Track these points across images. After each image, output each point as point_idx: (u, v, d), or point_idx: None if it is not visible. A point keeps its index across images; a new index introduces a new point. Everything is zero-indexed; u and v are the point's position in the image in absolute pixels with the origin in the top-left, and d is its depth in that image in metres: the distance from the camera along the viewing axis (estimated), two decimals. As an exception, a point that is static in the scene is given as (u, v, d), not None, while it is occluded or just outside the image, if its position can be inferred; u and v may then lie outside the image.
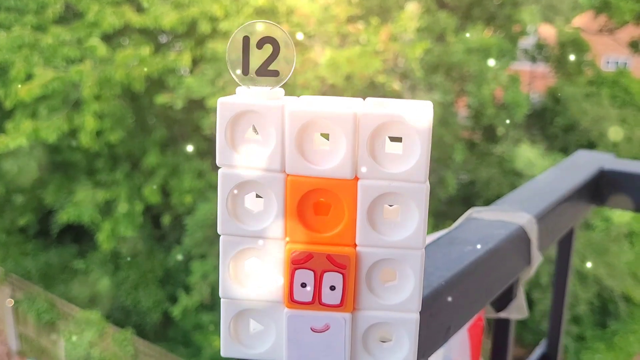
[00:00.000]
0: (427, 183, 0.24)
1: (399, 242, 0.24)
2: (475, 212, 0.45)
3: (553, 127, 6.63)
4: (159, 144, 5.56)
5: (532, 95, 8.10)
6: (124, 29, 4.98)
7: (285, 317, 0.25)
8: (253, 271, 0.26)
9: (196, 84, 4.62)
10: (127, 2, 5.05)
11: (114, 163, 5.71)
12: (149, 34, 5.21)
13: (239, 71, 0.24)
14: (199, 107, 5.06)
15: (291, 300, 0.25)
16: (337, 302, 0.25)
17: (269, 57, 0.24)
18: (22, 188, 5.86)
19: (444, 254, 0.37)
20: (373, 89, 5.22)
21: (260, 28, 0.24)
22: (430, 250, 0.38)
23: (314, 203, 0.25)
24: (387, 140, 0.24)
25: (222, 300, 0.25)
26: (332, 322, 0.25)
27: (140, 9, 5.00)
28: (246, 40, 0.24)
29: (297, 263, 0.24)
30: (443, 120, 5.47)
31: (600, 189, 0.58)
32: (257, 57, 0.24)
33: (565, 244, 0.58)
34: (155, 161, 5.37)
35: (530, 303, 4.91)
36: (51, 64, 4.70)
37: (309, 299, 0.25)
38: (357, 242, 0.25)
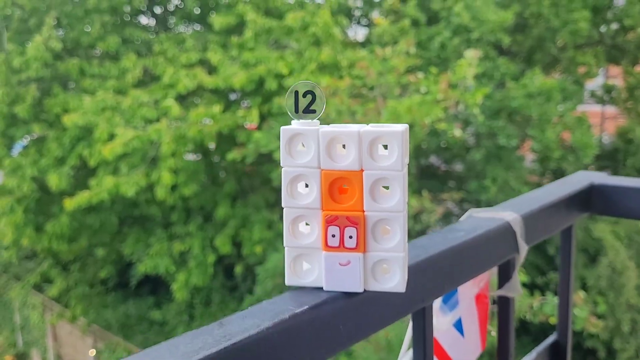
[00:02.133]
0: (405, 170, 0.41)
1: (389, 208, 0.41)
2: (474, 212, 0.60)
3: (626, 168, 6.51)
4: (229, 196, 5.75)
5: (603, 136, 7.96)
6: (198, 89, 5.27)
7: (323, 257, 0.42)
8: (304, 229, 0.43)
9: (264, 138, 4.81)
10: (199, 64, 5.37)
11: (188, 216, 5.93)
12: (220, 93, 5.49)
13: (293, 110, 0.42)
14: (267, 160, 5.27)
15: (326, 246, 0.42)
16: (354, 246, 0.42)
17: (309, 102, 0.41)
18: (103, 242, 6.15)
19: (443, 236, 0.53)
20: (435, 137, 5.32)
21: (306, 85, 0.42)
22: (433, 234, 0.54)
23: (338, 187, 0.42)
24: (380, 146, 0.41)
25: (285, 248, 0.42)
26: (351, 259, 0.42)
27: (211, 70, 5.30)
28: (296, 92, 0.41)
29: (329, 222, 0.41)
30: (509, 165, 5.49)
31: (590, 199, 0.73)
32: (303, 102, 0.41)
33: (566, 239, 0.72)
34: (226, 213, 5.55)
35: (614, 352, 4.79)
36: (131, 124, 4.98)
37: (337, 244, 0.42)
38: (364, 209, 0.42)
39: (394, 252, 0.42)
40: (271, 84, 4.93)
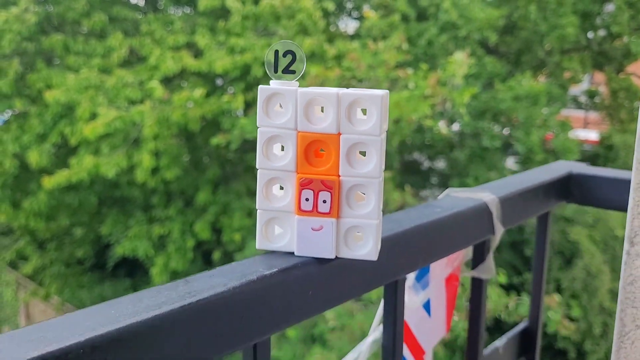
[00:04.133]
0: (383, 136, 0.40)
1: (365, 174, 0.40)
2: (452, 192, 0.60)
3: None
4: (211, 182, 5.73)
5: (585, 142, 8.03)
6: (184, 72, 5.24)
7: (295, 221, 0.41)
8: (277, 192, 0.42)
9: (250, 125, 4.79)
10: (186, 47, 5.32)
11: (168, 199, 5.89)
12: (206, 77, 5.46)
13: (272, 70, 0.40)
14: (251, 147, 5.24)
15: (299, 209, 0.41)
16: (327, 210, 0.41)
17: (289, 62, 0.40)
18: (82, 221, 6.10)
19: (419, 212, 0.53)
20: (421, 133, 5.33)
21: (286, 45, 0.41)
22: (410, 210, 0.53)
23: (314, 150, 0.41)
24: (359, 110, 0.40)
25: (257, 211, 0.42)
26: (324, 224, 0.41)
27: (198, 54, 5.26)
28: (276, 52, 0.40)
29: (303, 185, 0.40)
30: (491, 165, 5.52)
31: (568, 187, 0.73)
32: (283, 62, 0.40)
33: (542, 224, 0.72)
34: (207, 199, 5.53)
35: (584, 354, 4.86)
36: (114, 104, 4.93)
37: (310, 208, 0.41)
38: (340, 174, 0.41)
39: (368, 219, 0.41)
40: (257, 71, 4.91)
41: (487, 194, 0.59)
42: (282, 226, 0.42)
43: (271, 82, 0.41)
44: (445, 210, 0.53)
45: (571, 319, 4.52)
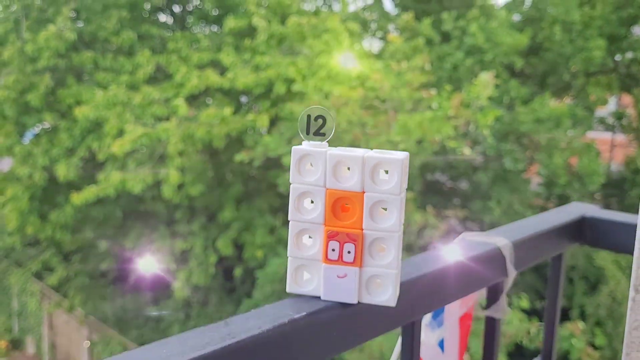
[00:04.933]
0: (402, 195, 0.45)
1: (386, 228, 0.45)
2: (467, 235, 0.64)
3: (632, 197, 6.50)
4: (234, 198, 5.78)
5: (612, 164, 7.93)
6: (208, 89, 5.32)
7: (322, 269, 0.46)
8: (307, 242, 0.47)
9: (273, 142, 4.84)
10: (211, 65, 5.40)
11: (192, 215, 5.96)
12: (230, 95, 5.54)
13: (304, 132, 0.45)
14: (274, 165, 5.30)
15: (326, 258, 0.46)
16: (351, 260, 0.46)
17: (320, 125, 0.45)
18: (107, 234, 6.19)
19: (435, 256, 0.57)
20: (444, 154, 5.34)
21: (318, 111, 0.45)
22: (427, 254, 0.58)
23: (341, 205, 0.46)
24: (382, 171, 0.45)
25: (289, 258, 0.46)
26: (348, 272, 0.46)
27: (223, 71, 5.34)
28: (309, 116, 0.45)
29: (330, 237, 0.45)
30: (514, 187, 5.49)
31: (581, 230, 0.76)
32: (314, 125, 0.45)
33: (555, 268, 0.76)
34: (231, 215, 5.58)
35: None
36: (140, 120, 5.03)
37: (336, 258, 0.46)
38: (363, 227, 0.46)
39: (388, 269, 0.45)
40: (280, 88, 4.97)
41: (500, 239, 0.63)
42: (310, 272, 0.47)
43: (303, 143, 0.46)
44: (461, 255, 0.58)
45: (595, 347, 4.47)
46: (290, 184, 0.46)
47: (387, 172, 0.45)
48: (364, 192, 0.45)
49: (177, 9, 6.49)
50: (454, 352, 0.65)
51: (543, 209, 6.19)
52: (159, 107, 5.03)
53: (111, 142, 4.86)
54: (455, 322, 0.64)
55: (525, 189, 5.59)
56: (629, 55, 6.85)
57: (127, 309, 7.38)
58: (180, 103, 4.91)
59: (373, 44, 7.17)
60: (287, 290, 0.47)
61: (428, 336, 0.61)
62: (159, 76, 5.63)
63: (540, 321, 3.83)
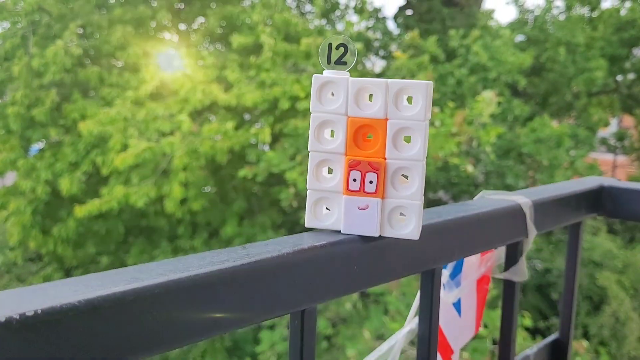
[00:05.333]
0: (426, 122, 0.43)
1: (409, 156, 0.44)
2: (487, 194, 0.62)
3: (634, 218, 6.50)
4: (237, 214, 5.77)
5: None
6: (213, 105, 5.33)
7: (343, 200, 0.44)
8: (326, 174, 0.45)
9: (276, 158, 4.84)
10: (216, 81, 5.43)
11: (194, 230, 5.94)
12: (234, 111, 5.55)
13: (325, 60, 0.44)
14: (277, 181, 5.30)
15: (347, 189, 0.44)
16: (374, 191, 0.44)
17: (342, 54, 0.44)
18: (108, 250, 6.16)
19: (456, 209, 0.56)
20: (446, 171, 5.34)
21: (339, 39, 0.44)
22: (447, 206, 0.56)
23: (363, 134, 0.44)
24: (405, 98, 0.43)
25: (308, 190, 0.45)
26: (370, 204, 0.44)
27: (228, 88, 5.37)
28: (330, 45, 0.44)
29: (351, 166, 0.44)
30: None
31: (600, 200, 0.75)
32: (335, 54, 0.44)
33: (574, 233, 0.74)
34: (233, 231, 5.56)
35: None
36: (144, 135, 5.03)
37: (357, 188, 0.44)
38: (386, 156, 0.44)
39: (411, 200, 0.44)
40: (284, 104, 4.99)
41: (521, 197, 0.61)
42: (330, 206, 0.45)
43: (324, 71, 0.44)
44: (481, 209, 0.56)
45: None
46: (310, 113, 0.44)
47: (410, 100, 0.44)
48: (387, 120, 0.44)
49: (182, 26, 6.54)
50: (471, 315, 0.63)
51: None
52: (162, 123, 5.04)
53: (115, 156, 4.86)
54: (473, 283, 0.62)
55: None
56: (631, 76, 6.89)
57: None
58: (184, 118, 4.92)
59: (376, 63, 7.20)
60: (306, 224, 0.45)
61: (445, 296, 0.59)
62: (164, 92, 5.65)
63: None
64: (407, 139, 0.44)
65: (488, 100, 4.81)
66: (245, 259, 0.37)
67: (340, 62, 0.44)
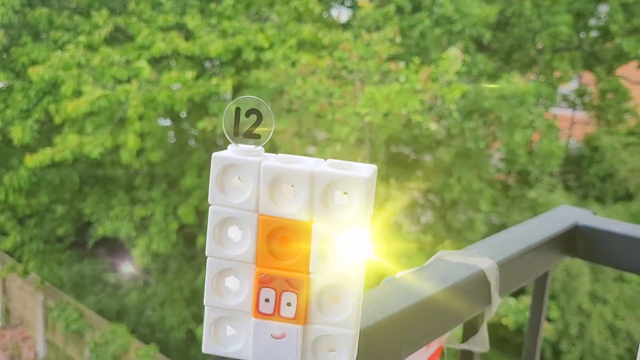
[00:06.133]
0: (368, 228, 0.32)
1: (342, 274, 0.32)
2: (444, 255, 0.51)
3: (589, 175, 6.57)
4: (197, 166, 5.65)
5: (571, 141, 8.04)
6: (172, 54, 5.12)
7: (252, 325, 0.33)
8: (231, 286, 0.33)
9: (237, 110, 4.70)
10: (175, 28, 5.20)
11: (152, 181, 5.82)
12: (194, 60, 5.35)
13: (231, 132, 0.32)
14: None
15: (257, 312, 0.33)
16: (292, 315, 0.32)
17: (253, 123, 0.32)
18: (63, 199, 6.01)
19: (407, 286, 0.45)
20: (409, 129, 5.25)
21: (250, 102, 0.32)
22: (396, 282, 0.45)
23: (280, 237, 0.32)
24: (337, 193, 0.32)
25: (205, 307, 0.33)
26: (287, 331, 0.32)
27: (188, 36, 5.15)
28: (238, 110, 0.32)
29: (263, 283, 0.32)
30: (476, 164, 5.46)
31: (574, 241, 0.65)
32: (245, 123, 0.32)
33: (539, 287, 0.64)
34: (192, 183, 5.46)
35: (559, 354, 4.85)
36: (99, 82, 4.83)
37: (270, 311, 0.32)
38: (310, 270, 0.32)
39: (343, 328, 0.33)
40: (249, 55, 4.82)
41: (484, 260, 0.50)
42: (236, 327, 0.34)
43: (229, 147, 0.32)
44: (439, 284, 0.45)
45: (549, 320, 4.52)
46: (209, 205, 0.32)
47: (346, 193, 0.32)
48: (312, 222, 0.32)
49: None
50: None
51: (503, 184, 6.21)
52: (119, 69, 4.84)
53: (68, 104, 4.66)
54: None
55: (486, 165, 5.59)
56: (594, 33, 6.87)
57: (84, 275, 7.27)
58: (143, 65, 4.72)
59: (341, 13, 7.00)
60: (204, 349, 0.34)
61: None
62: (121, 38, 5.41)
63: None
64: (339, 250, 0.32)
65: (454, 57, 4.73)
66: None
67: (251, 135, 0.32)
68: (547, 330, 4.24)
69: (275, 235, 0.32)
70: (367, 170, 0.31)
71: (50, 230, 6.47)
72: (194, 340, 5.82)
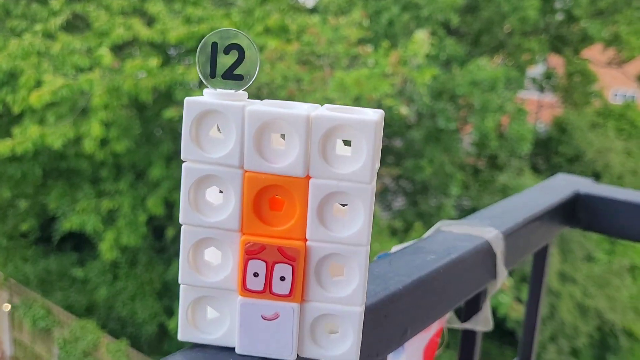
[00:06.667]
0: (374, 184, 0.26)
1: (346, 239, 0.26)
2: (444, 226, 0.46)
3: (558, 156, 6.65)
4: (164, 156, 5.55)
5: (539, 124, 8.15)
6: (135, 41, 5.01)
7: (238, 305, 0.27)
8: (211, 260, 0.28)
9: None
10: (137, 13, 5.08)
11: (118, 173, 5.70)
12: (159, 47, 5.24)
13: (207, 73, 0.26)
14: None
15: (244, 289, 0.27)
16: (287, 292, 0.27)
17: (234, 62, 0.26)
18: (26, 193, 5.86)
19: (407, 261, 0.39)
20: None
21: (229, 35, 0.26)
22: (394, 257, 0.40)
23: (269, 199, 0.27)
24: (339, 142, 0.26)
25: (181, 286, 0.27)
26: (281, 311, 0.27)
27: (151, 22, 5.03)
28: (214, 45, 0.26)
29: (250, 254, 0.26)
30: (446, 147, 5.49)
31: (574, 211, 0.60)
32: (224, 62, 0.26)
33: (539, 261, 0.59)
34: (160, 173, 5.36)
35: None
36: (60, 71, 4.71)
37: (260, 288, 0.27)
38: (307, 237, 0.27)
39: (348, 305, 0.27)
40: (214, 43, 4.73)
41: (489, 230, 0.45)
42: (219, 309, 0.28)
43: (205, 91, 0.26)
44: (441, 258, 0.40)
45: (520, 301, 4.56)
46: (182, 162, 0.26)
47: (348, 143, 0.26)
48: (308, 178, 0.26)
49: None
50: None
51: (474, 167, 6.26)
52: (80, 58, 4.71)
53: (27, 94, 4.53)
54: (419, 350, 0.47)
55: (457, 148, 5.62)
56: (559, 16, 6.96)
57: (50, 271, 7.14)
58: (104, 52, 4.60)
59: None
60: (180, 337, 0.28)
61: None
62: (81, 25, 5.27)
63: None
64: (342, 210, 0.27)
65: (421, 40, 4.72)
66: None
67: (231, 76, 0.26)
68: (517, 311, 4.28)
69: (264, 196, 0.26)
70: (373, 114, 0.26)
71: (14, 225, 6.35)
72: (166, 334, 5.73)
